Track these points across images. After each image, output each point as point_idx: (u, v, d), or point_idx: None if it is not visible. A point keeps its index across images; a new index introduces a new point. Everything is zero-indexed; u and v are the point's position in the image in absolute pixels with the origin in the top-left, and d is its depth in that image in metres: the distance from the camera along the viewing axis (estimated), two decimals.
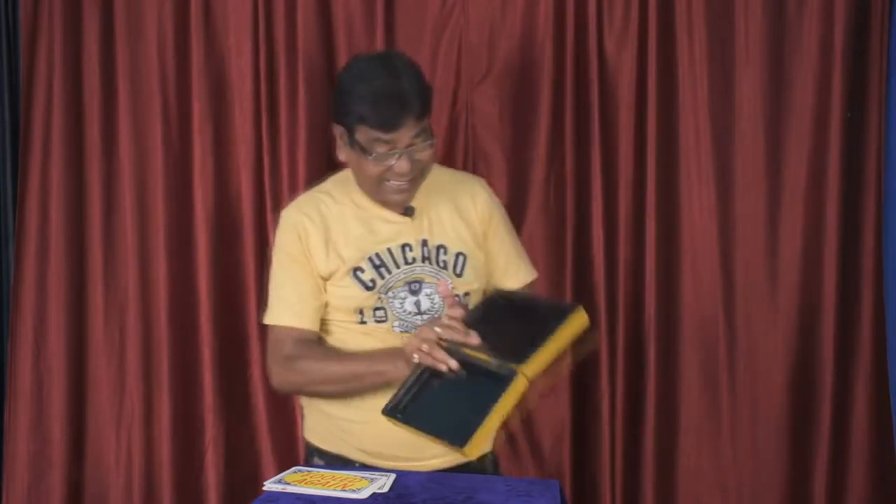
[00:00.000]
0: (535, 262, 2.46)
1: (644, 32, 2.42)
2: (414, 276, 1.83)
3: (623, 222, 2.46)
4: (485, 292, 1.87)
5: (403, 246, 1.84)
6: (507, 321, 1.72)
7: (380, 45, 2.46)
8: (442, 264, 1.86)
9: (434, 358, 1.60)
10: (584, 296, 2.48)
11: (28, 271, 2.56)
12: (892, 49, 2.33)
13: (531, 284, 1.99)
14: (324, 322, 1.84)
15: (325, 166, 2.31)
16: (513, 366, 1.51)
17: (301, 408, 1.97)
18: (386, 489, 1.59)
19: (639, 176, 2.45)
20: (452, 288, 1.83)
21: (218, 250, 2.53)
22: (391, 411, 1.61)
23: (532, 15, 2.46)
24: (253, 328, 2.52)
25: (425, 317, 1.82)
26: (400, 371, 1.66)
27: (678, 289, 2.47)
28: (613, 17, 2.44)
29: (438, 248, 1.87)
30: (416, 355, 1.62)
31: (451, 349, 1.61)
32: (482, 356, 1.57)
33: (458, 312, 1.67)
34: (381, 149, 1.74)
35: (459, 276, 1.87)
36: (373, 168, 1.77)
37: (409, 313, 1.81)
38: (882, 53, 2.35)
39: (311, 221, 1.82)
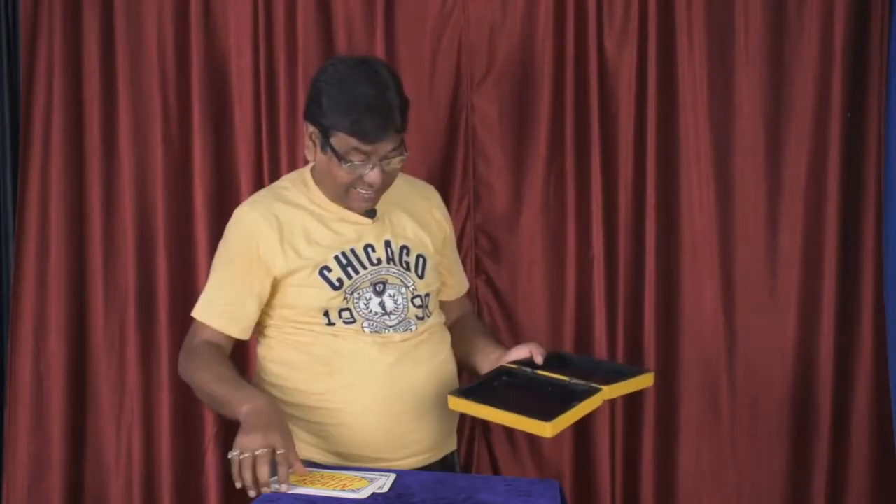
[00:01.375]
0: (535, 262, 2.51)
1: (644, 32, 2.41)
2: (379, 276, 1.83)
3: (623, 222, 2.46)
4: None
5: (367, 247, 1.85)
6: (575, 365, 1.90)
7: (380, 45, 2.46)
8: (405, 265, 1.87)
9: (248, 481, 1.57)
10: (584, 296, 2.49)
11: (28, 271, 2.55)
12: (892, 49, 2.33)
13: (467, 294, 2.13)
14: (289, 325, 1.83)
15: None
16: (596, 384, 1.73)
17: None
18: (386, 489, 1.59)
19: (639, 176, 2.45)
20: (414, 289, 1.86)
21: None
22: (464, 394, 1.73)
23: (532, 15, 2.46)
24: None
25: (392, 317, 1.82)
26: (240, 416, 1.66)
27: (678, 289, 2.47)
28: (613, 17, 2.44)
29: (402, 248, 1.88)
30: (237, 480, 1.58)
31: (521, 371, 1.80)
32: (558, 376, 1.79)
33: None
34: (356, 158, 1.75)
35: (421, 277, 1.89)
36: (344, 175, 1.77)
37: (376, 314, 1.82)
38: (882, 53, 2.35)
39: (265, 220, 1.82)
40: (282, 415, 1.70)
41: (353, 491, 1.57)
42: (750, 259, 2.43)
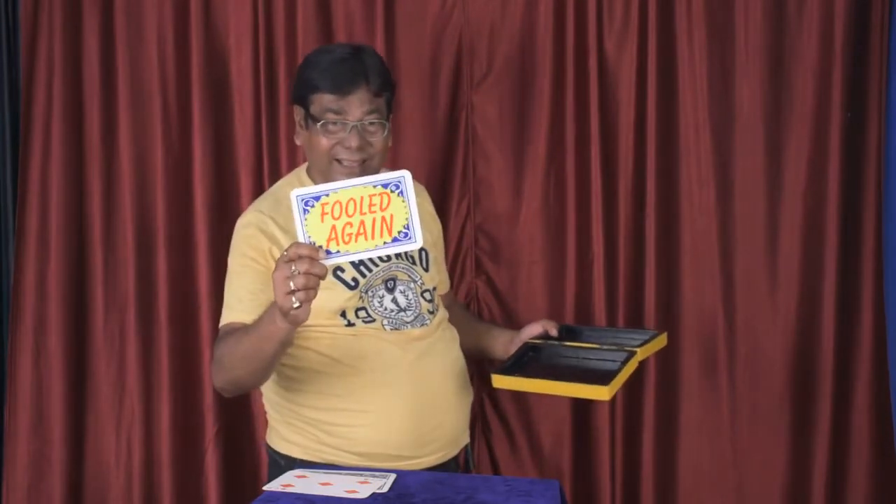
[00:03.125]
0: (535, 262, 2.51)
1: (644, 32, 2.41)
2: (390, 273, 1.83)
3: (623, 222, 2.46)
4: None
5: None
6: (588, 335, 1.95)
7: (380, 45, 2.45)
8: (411, 259, 1.87)
9: (306, 289, 1.45)
10: (584, 296, 2.49)
11: (28, 271, 2.55)
12: (892, 49, 2.32)
13: (447, 295, 2.10)
14: (305, 329, 1.78)
15: None
16: (630, 348, 1.80)
17: (270, 424, 1.92)
18: (386, 489, 1.59)
19: (639, 176, 2.45)
20: (421, 283, 1.86)
21: (218, 250, 2.52)
22: (507, 371, 1.76)
23: (532, 15, 2.46)
24: None
25: (408, 313, 1.82)
26: (280, 324, 1.53)
27: (678, 289, 2.47)
28: (613, 16, 2.44)
29: None
30: (293, 301, 1.46)
31: (547, 345, 1.82)
32: (587, 345, 1.84)
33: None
34: (332, 117, 1.75)
35: (426, 270, 1.89)
36: (324, 142, 1.77)
37: (392, 311, 1.81)
38: (882, 53, 2.35)
39: (275, 223, 1.80)
40: None
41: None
42: (750, 259, 2.43)
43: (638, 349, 1.81)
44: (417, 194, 2.01)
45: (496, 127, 2.50)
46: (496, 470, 2.56)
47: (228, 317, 1.78)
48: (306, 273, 1.45)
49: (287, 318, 1.49)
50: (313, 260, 1.46)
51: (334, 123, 1.76)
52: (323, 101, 1.76)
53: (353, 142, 1.76)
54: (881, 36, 2.35)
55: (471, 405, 1.96)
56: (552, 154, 2.48)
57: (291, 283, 1.45)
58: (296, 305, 1.46)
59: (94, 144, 2.56)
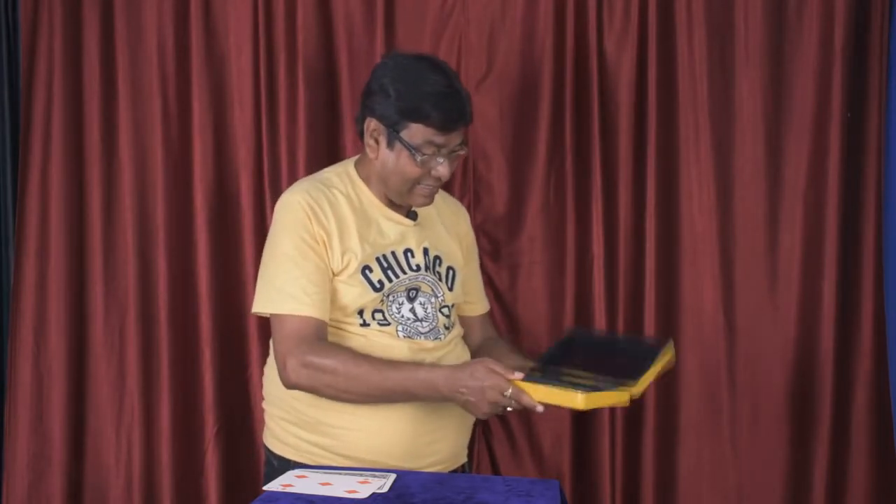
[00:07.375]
0: (535, 263, 2.51)
1: (644, 32, 2.42)
2: (415, 283, 1.83)
3: (623, 222, 2.46)
4: (567, 331, 1.93)
5: (406, 251, 1.84)
6: (596, 356, 1.86)
7: (379, 45, 2.46)
8: (437, 275, 1.86)
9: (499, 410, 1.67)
10: (584, 296, 2.49)
11: (28, 271, 2.56)
12: (892, 49, 2.33)
13: (486, 315, 2.11)
14: None
15: (325, 166, 2.30)
16: (625, 380, 1.70)
17: (267, 423, 1.92)
18: (386, 489, 1.59)
19: (639, 176, 2.45)
20: (442, 299, 1.85)
21: (218, 250, 2.53)
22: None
23: (532, 15, 2.46)
24: (253, 328, 2.52)
25: (424, 324, 1.82)
26: (447, 395, 1.69)
27: (678, 289, 2.47)
28: (613, 17, 2.44)
29: (436, 258, 1.88)
30: (488, 414, 1.69)
31: (551, 372, 1.73)
32: (585, 380, 1.71)
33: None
34: (429, 150, 1.74)
35: (451, 289, 1.88)
36: (415, 169, 1.76)
37: (408, 319, 1.81)
38: (882, 53, 2.35)
39: (323, 212, 1.78)
40: (461, 372, 1.70)
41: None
42: (750, 259, 2.43)
43: (632, 387, 1.71)
44: (454, 213, 2.02)
45: (496, 127, 2.50)
46: (496, 470, 2.56)
47: (297, 308, 1.73)
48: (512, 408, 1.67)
49: (466, 406, 1.70)
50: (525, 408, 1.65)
51: (431, 156, 1.76)
52: (426, 133, 1.73)
53: (445, 172, 1.77)
54: (881, 36, 2.35)
55: (472, 424, 1.95)
56: (552, 154, 2.48)
57: (507, 409, 1.67)
58: (484, 414, 1.69)
59: (94, 144, 2.56)
